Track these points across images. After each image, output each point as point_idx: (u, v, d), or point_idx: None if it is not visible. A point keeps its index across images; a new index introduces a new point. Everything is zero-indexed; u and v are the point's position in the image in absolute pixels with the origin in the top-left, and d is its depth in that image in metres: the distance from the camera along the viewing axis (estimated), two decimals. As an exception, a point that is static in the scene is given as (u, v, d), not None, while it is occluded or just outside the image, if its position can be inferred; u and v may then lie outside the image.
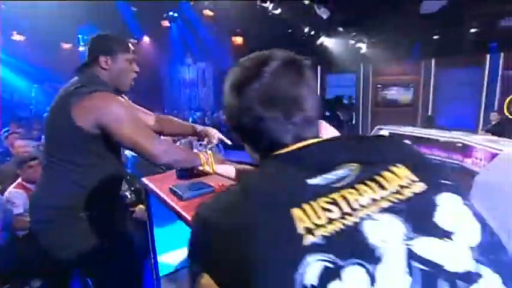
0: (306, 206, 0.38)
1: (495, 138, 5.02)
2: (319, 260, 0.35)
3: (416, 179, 0.41)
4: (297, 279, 0.34)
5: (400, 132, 6.00)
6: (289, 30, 8.57)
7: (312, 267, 0.35)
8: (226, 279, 0.38)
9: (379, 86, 9.35)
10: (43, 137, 5.09)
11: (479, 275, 0.36)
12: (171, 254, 1.55)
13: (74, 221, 1.09)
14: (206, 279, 0.40)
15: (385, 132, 5.85)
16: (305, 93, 0.49)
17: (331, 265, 0.35)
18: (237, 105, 0.50)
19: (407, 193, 0.40)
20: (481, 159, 4.72)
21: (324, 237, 0.36)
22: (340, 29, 8.31)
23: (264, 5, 6.73)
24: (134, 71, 1.20)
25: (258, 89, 0.48)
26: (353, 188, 0.40)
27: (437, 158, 5.57)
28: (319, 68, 10.09)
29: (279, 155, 0.47)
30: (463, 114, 7.65)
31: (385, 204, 0.39)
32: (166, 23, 9.77)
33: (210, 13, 8.79)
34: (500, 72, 7.18)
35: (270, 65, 0.49)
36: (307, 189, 0.40)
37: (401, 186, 0.41)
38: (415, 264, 0.35)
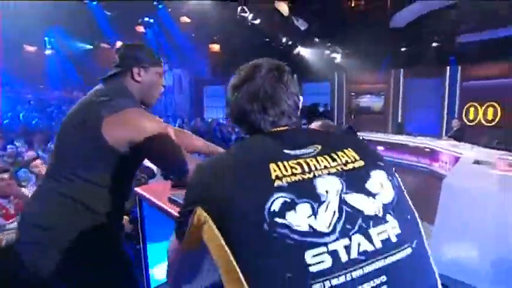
0: (279, 163, 0.56)
1: (457, 143, 5.49)
2: (282, 196, 0.52)
3: (358, 158, 0.60)
4: (266, 206, 0.51)
5: (376, 139, 6.35)
6: (267, 40, 8.77)
7: (277, 200, 0.52)
8: (216, 206, 0.54)
9: (352, 94, 9.81)
10: (9, 147, 4.74)
11: (385, 220, 0.55)
12: (160, 266, 1.53)
13: (68, 247, 0.97)
14: (200, 211, 0.56)
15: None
16: (281, 93, 0.66)
17: (289, 200, 0.52)
18: (233, 100, 0.68)
19: (350, 166, 0.58)
20: (446, 163, 5.13)
21: (288, 182, 0.54)
22: (316, 39, 8.66)
23: (243, 15, 6.85)
24: (162, 85, 1.16)
25: (246, 89, 0.66)
26: (314, 158, 0.58)
27: (408, 162, 5.96)
28: (295, 76, 10.37)
29: (264, 132, 0.65)
30: (429, 121, 8.26)
31: (333, 170, 0.57)
32: (141, 29, 9.55)
33: (187, 20, 8.76)
34: (458, 83, 7.87)
35: (260, 70, 0.66)
36: (283, 154, 0.58)
37: (347, 162, 0.59)
38: (344, 207, 0.54)
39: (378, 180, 0.58)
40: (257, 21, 7.12)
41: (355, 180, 0.56)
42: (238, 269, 0.49)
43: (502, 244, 2.11)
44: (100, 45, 10.96)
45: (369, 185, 0.57)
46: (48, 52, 9.89)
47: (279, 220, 0.50)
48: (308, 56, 9.58)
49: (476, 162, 3.34)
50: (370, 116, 9.10)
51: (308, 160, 0.57)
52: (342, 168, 0.57)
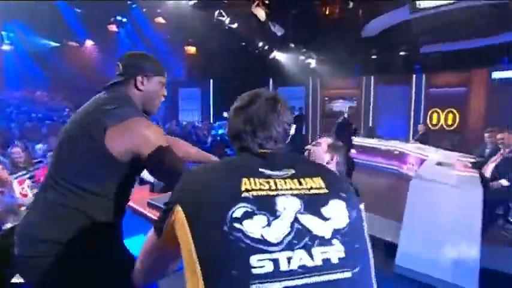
0: (251, 179, 0.64)
1: (423, 146, 5.88)
2: (245, 206, 0.60)
3: (324, 186, 0.67)
4: (229, 212, 0.59)
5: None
6: (243, 44, 8.83)
7: (240, 209, 0.59)
8: (192, 205, 0.63)
9: (326, 98, 10.15)
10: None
11: (331, 243, 0.61)
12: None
13: (69, 257, 0.94)
14: (178, 209, 0.64)
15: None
16: (273, 120, 0.75)
17: (250, 210, 0.60)
18: (232, 120, 0.77)
19: (313, 191, 0.65)
20: (413, 164, 5.46)
21: (253, 195, 0.62)
22: (292, 45, 8.87)
23: (221, 18, 6.85)
24: (164, 94, 1.17)
25: (244, 113, 0.75)
26: (283, 179, 0.66)
27: (379, 164, 6.26)
28: (271, 80, 10.55)
29: (251, 152, 0.74)
30: (397, 125, 8.75)
31: (296, 192, 0.64)
32: (113, 28, 9.17)
33: (162, 21, 8.58)
34: (423, 90, 8.45)
35: (259, 98, 0.76)
36: (257, 172, 0.66)
37: (312, 187, 0.66)
38: (296, 224, 0.60)
39: (334, 208, 0.65)
40: (234, 25, 7.15)
41: (313, 204, 0.64)
42: (197, 262, 0.57)
43: (459, 239, 2.29)
44: (68, 43, 10.39)
45: (324, 210, 0.64)
46: (5, 48, 9.15)
47: (236, 225, 0.58)
48: (284, 61, 9.77)
49: (439, 163, 3.60)
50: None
51: (277, 180, 0.65)
52: (304, 192, 0.65)
